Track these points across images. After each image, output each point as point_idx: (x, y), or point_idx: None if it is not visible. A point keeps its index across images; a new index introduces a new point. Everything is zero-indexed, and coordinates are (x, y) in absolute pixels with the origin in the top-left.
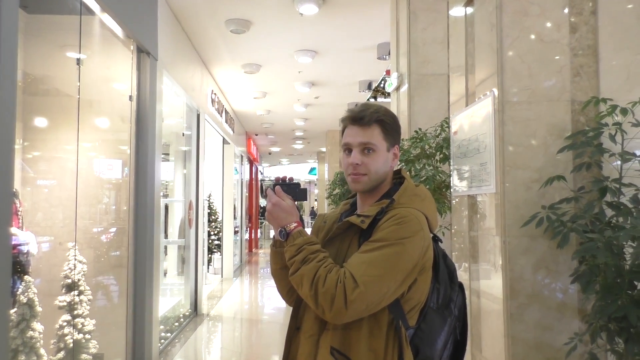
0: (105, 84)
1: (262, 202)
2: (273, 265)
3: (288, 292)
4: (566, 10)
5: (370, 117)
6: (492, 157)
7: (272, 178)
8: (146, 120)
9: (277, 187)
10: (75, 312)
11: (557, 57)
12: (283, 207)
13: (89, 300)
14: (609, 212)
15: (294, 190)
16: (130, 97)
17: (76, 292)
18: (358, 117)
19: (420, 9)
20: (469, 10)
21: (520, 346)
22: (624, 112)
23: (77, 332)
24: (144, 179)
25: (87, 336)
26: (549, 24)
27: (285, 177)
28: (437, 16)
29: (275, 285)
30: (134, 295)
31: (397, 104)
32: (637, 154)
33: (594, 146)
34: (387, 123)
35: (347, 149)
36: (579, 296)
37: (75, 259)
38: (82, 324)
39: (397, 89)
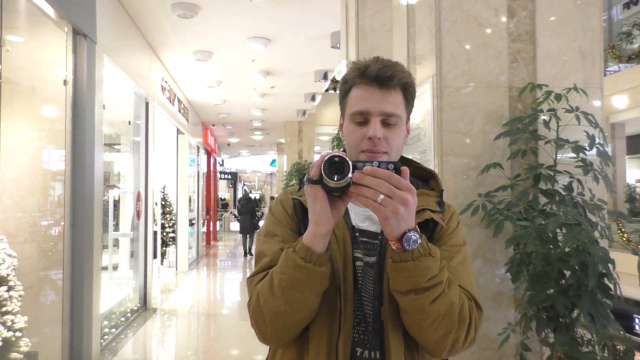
0: (36, 68)
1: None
2: (302, 294)
3: (295, 328)
4: None
5: (398, 78)
6: (431, 144)
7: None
8: (83, 107)
9: (405, 168)
10: (4, 309)
11: (495, 42)
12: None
13: (19, 296)
14: (543, 200)
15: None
16: (65, 81)
17: (5, 288)
18: (382, 77)
19: None
20: None
21: None
22: (558, 98)
23: (6, 330)
24: (82, 169)
25: (18, 334)
26: (487, 8)
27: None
28: (385, 2)
29: (272, 316)
30: (71, 291)
31: None
32: (571, 141)
33: (529, 133)
34: (411, 88)
35: (360, 117)
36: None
37: (4, 253)
38: (12, 321)
39: None
